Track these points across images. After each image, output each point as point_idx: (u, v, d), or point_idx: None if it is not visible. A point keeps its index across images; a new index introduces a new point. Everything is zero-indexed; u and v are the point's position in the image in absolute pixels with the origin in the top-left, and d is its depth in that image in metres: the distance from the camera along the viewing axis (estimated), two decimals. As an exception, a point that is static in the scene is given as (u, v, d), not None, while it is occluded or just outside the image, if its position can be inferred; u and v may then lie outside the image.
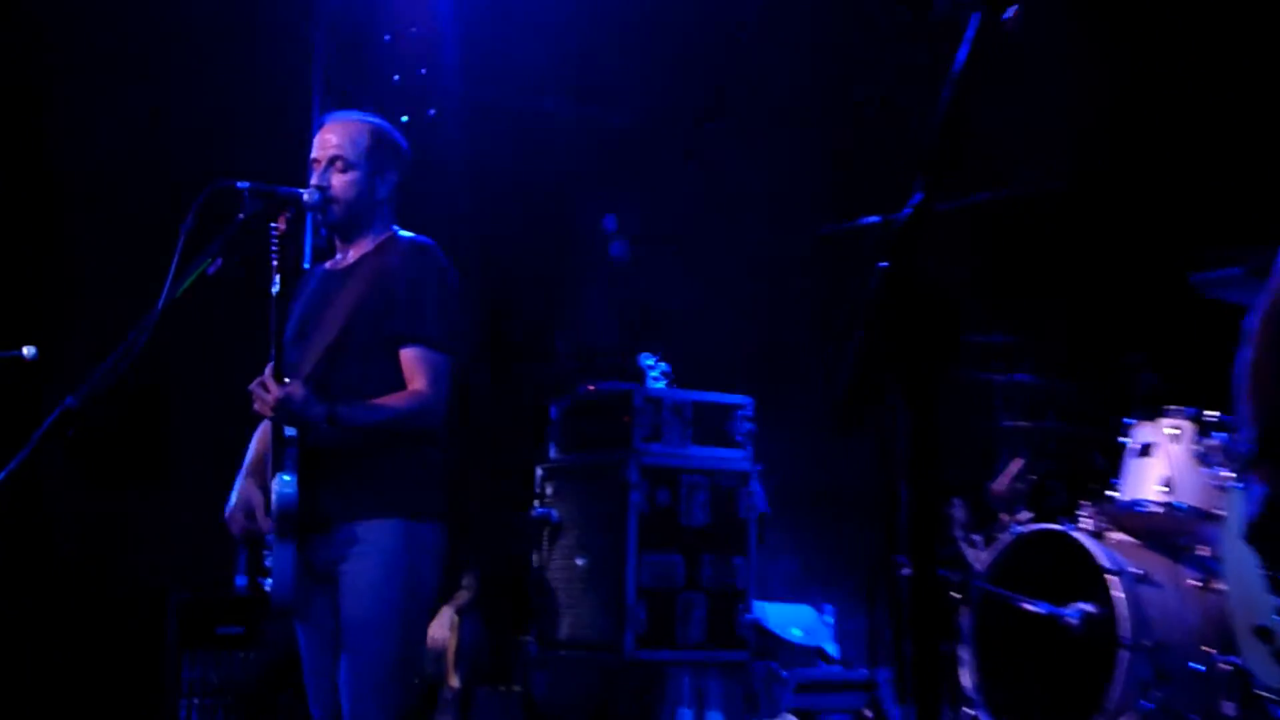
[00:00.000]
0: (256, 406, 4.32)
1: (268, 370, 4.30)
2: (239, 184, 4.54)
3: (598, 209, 9.19)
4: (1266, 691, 3.00)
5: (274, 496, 4.34)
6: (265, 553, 4.51)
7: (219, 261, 4.50)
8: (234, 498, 4.60)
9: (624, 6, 8.64)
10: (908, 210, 1.97)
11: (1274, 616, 2.91)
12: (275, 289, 4.45)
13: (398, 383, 4.45)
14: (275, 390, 4.23)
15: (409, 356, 4.46)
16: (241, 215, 4.54)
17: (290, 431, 4.36)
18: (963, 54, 1.96)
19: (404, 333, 4.46)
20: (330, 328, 4.50)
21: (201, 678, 7.06)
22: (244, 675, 6.76)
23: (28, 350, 5.72)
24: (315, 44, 9.06)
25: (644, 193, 9.02)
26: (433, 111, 8.61)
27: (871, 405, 1.96)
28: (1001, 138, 6.56)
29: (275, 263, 4.41)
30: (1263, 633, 2.92)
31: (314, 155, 4.68)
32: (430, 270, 4.55)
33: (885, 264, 1.91)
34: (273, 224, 4.45)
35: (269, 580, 4.43)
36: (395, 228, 4.72)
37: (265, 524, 4.47)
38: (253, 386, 4.30)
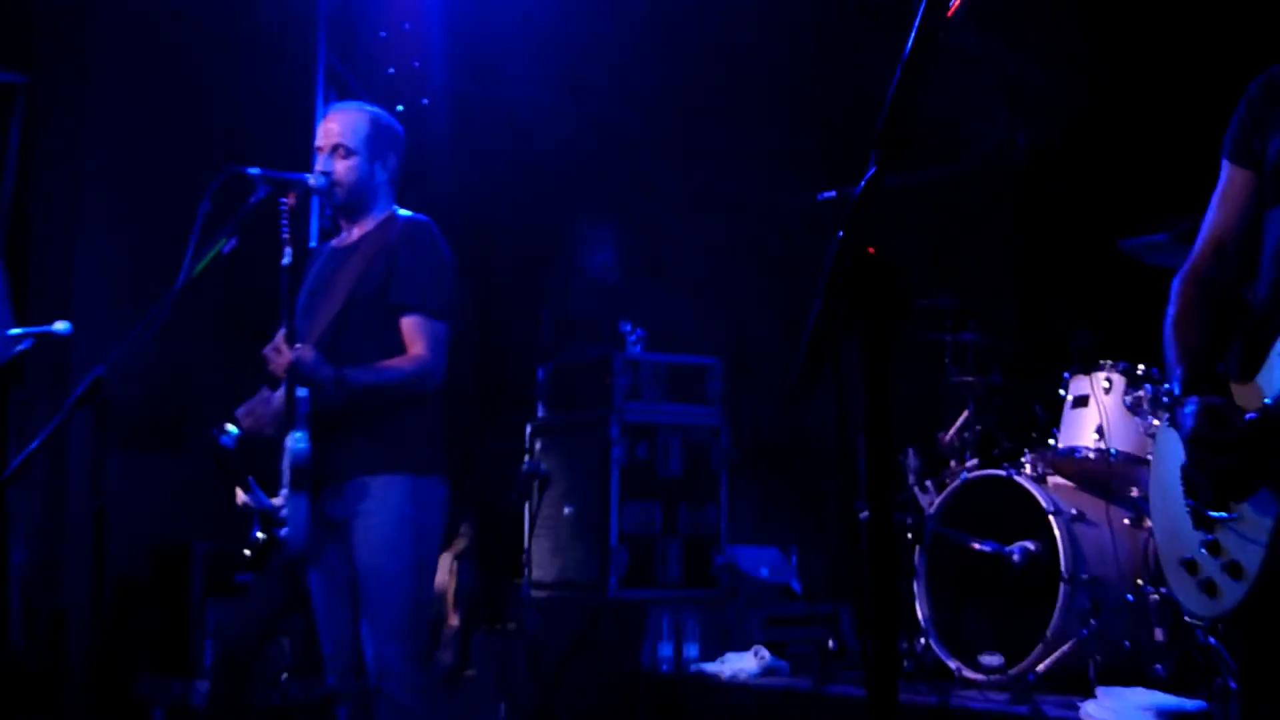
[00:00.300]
0: (270, 368, 4.34)
1: (279, 335, 4.32)
2: (250, 170, 4.55)
3: (578, 189, 9.18)
4: (1192, 619, 3.01)
5: (288, 454, 4.38)
6: (279, 504, 4.54)
7: (233, 241, 4.51)
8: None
9: (595, 16, 8.64)
10: (862, 184, 1.99)
11: (1199, 550, 2.91)
12: (286, 261, 4.47)
13: (398, 349, 4.47)
14: (287, 353, 4.24)
15: (409, 324, 4.48)
16: (253, 199, 4.55)
17: (302, 393, 4.37)
18: (910, 40, 1.97)
19: (404, 302, 4.48)
20: (336, 299, 4.51)
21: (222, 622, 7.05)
22: (231, 631, 6.73)
23: (60, 325, 5.72)
24: (318, 41, 9.03)
25: (622, 176, 9.00)
26: (425, 100, 8.58)
27: (831, 364, 1.97)
28: (950, 118, 6.57)
29: (285, 236, 4.43)
30: (1189, 565, 2.93)
31: (318, 143, 4.70)
32: (427, 245, 4.57)
33: (842, 234, 1.93)
34: (282, 199, 4.46)
35: (284, 529, 4.45)
36: (395, 207, 4.73)
37: (267, 427, 4.49)
38: (267, 351, 4.32)
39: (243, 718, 6.95)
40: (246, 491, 6.39)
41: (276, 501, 6.04)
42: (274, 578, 6.53)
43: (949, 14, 1.95)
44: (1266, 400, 2.81)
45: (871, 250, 1.93)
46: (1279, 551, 2.75)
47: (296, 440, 4.39)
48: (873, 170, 1.96)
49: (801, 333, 1.94)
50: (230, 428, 5.70)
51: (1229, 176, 3.13)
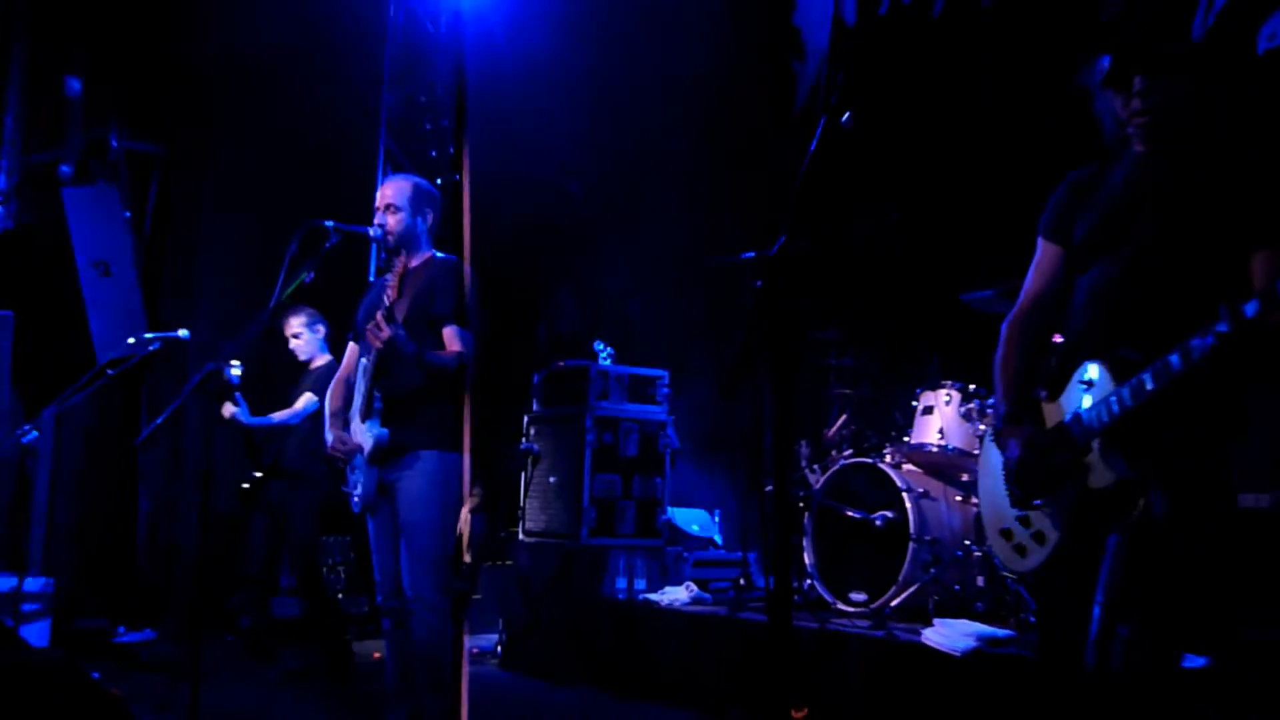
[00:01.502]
0: (371, 339, 4.30)
1: (379, 317, 4.29)
2: (326, 223, 4.52)
3: (566, 240, 9.18)
4: (1008, 573, 3.03)
5: (372, 437, 4.40)
6: (349, 472, 4.52)
7: (311, 275, 4.48)
8: (329, 437, 4.64)
9: (582, 111, 8.64)
10: (775, 248, 1.98)
11: (1014, 523, 2.96)
12: (377, 280, 4.55)
13: (440, 347, 4.48)
14: (387, 330, 4.26)
15: (448, 332, 4.49)
16: (327, 244, 4.52)
17: (377, 402, 4.37)
18: (813, 144, 1.97)
19: (444, 315, 4.47)
20: (400, 309, 4.48)
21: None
22: (246, 564, 6.68)
23: (182, 332, 5.66)
24: (379, 131, 9.02)
25: (597, 232, 9.01)
26: (456, 176, 8.56)
27: (749, 378, 1.97)
28: (837, 196, 6.58)
29: (379, 266, 4.48)
30: (1006, 533, 2.98)
31: (376, 205, 4.69)
32: (458, 277, 4.55)
33: (759, 283, 1.92)
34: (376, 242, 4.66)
35: (357, 489, 4.45)
36: (435, 251, 4.72)
37: (350, 448, 4.48)
38: (369, 329, 4.31)
39: (265, 620, 6.92)
40: (234, 406, 6.40)
41: (272, 417, 6.08)
42: (266, 514, 6.52)
43: (842, 122, 1.94)
44: (1065, 419, 2.87)
45: (780, 297, 1.93)
46: (1071, 532, 2.83)
47: (374, 427, 4.41)
48: (783, 238, 1.95)
49: (729, 353, 1.93)
50: (235, 364, 5.74)
51: (1044, 250, 3.14)
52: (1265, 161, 2.81)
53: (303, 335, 6.71)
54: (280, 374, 6.85)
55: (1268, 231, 2.76)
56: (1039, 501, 2.93)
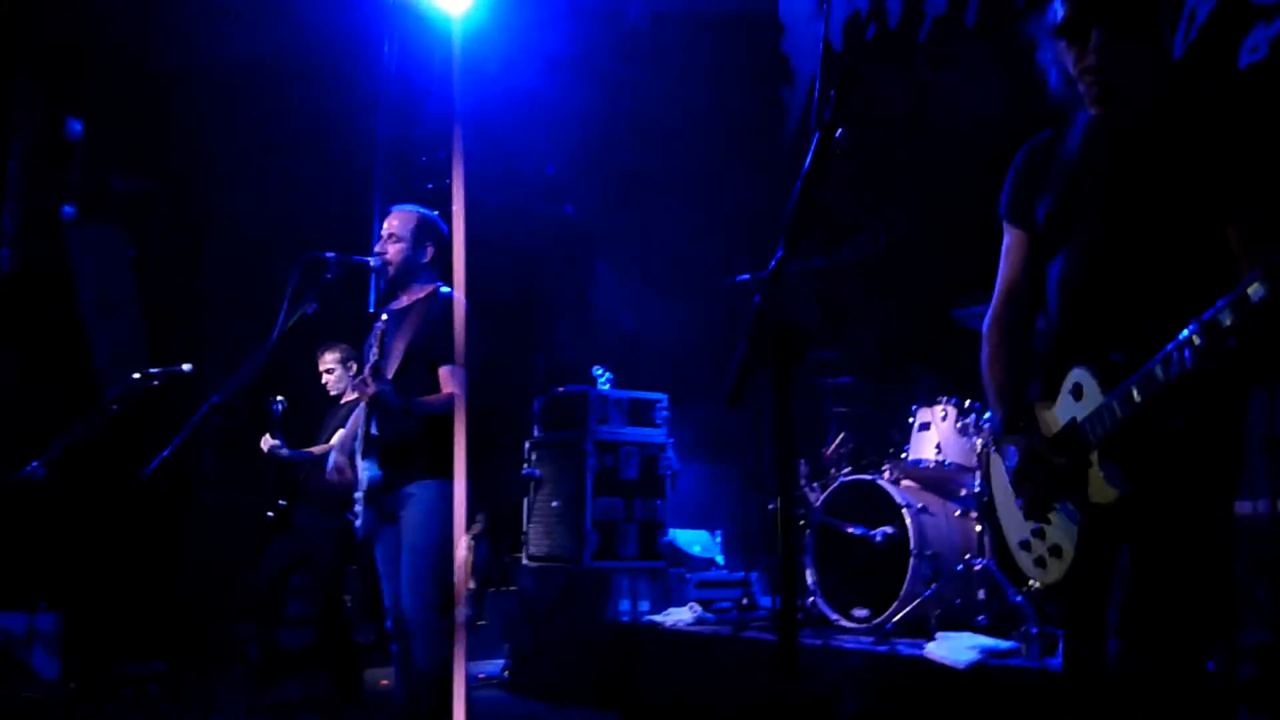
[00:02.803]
0: (358, 394, 4.35)
1: (367, 371, 4.36)
2: (326, 254, 4.52)
3: (562, 271, 9.20)
4: (1034, 583, 2.82)
5: (364, 477, 4.43)
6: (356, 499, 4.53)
7: (314, 306, 4.48)
8: (330, 460, 4.71)
9: (575, 140, 8.66)
10: (772, 265, 1.98)
11: (1031, 535, 2.81)
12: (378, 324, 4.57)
13: (435, 388, 4.46)
14: (373, 385, 4.31)
15: (444, 372, 4.50)
16: (328, 275, 4.52)
17: (374, 430, 4.37)
18: (807, 161, 1.97)
19: (441, 355, 4.47)
20: (398, 354, 4.50)
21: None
22: (255, 579, 6.64)
23: (186, 366, 5.67)
24: (375, 164, 9.05)
25: (594, 259, 9.02)
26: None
27: (749, 391, 1.96)
28: (831, 221, 6.60)
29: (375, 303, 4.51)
30: (1025, 545, 2.83)
31: (380, 234, 4.72)
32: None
33: (758, 300, 1.92)
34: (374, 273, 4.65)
35: (358, 521, 4.46)
36: (440, 284, 4.70)
37: (345, 480, 4.51)
38: (355, 383, 4.38)
39: (279, 651, 6.88)
40: (273, 438, 6.41)
41: (312, 450, 6.05)
42: (288, 539, 6.49)
43: (835, 139, 1.95)
44: (1064, 425, 2.69)
45: (778, 313, 1.92)
46: (1083, 542, 2.68)
47: (372, 467, 4.42)
48: (779, 255, 1.95)
49: (731, 364, 1.92)
50: (280, 399, 5.79)
51: (1010, 236, 2.89)
52: (1234, 126, 2.54)
53: (335, 371, 6.71)
54: (305, 409, 6.85)
55: (1242, 201, 2.49)
56: (1036, 523, 2.77)
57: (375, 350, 4.46)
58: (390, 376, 4.43)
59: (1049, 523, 2.76)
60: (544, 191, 9.13)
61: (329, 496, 6.44)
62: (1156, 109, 2.62)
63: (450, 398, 4.43)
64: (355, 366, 6.70)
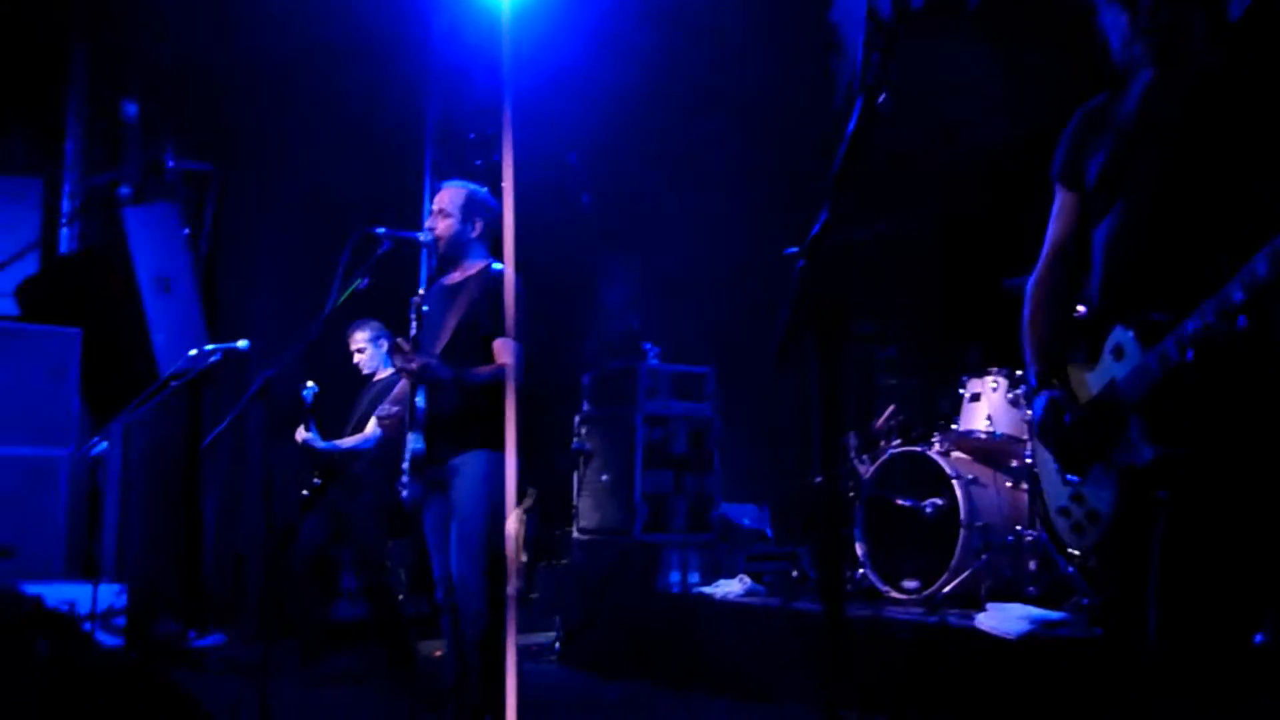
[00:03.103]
0: (396, 366, 4.37)
1: (406, 345, 4.35)
2: (378, 230, 4.57)
3: (612, 246, 9.20)
4: (1071, 551, 2.82)
5: (410, 449, 4.44)
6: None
7: (365, 281, 4.53)
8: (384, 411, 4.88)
9: (625, 115, 8.64)
10: (816, 229, 1.97)
11: (1069, 501, 2.80)
12: (416, 299, 4.57)
13: (485, 362, 4.48)
14: (415, 361, 4.29)
15: (497, 345, 4.51)
16: (380, 251, 4.56)
17: (420, 404, 4.40)
18: (851, 124, 1.96)
19: (492, 330, 4.48)
20: (448, 329, 4.51)
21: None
22: (292, 558, 6.70)
23: (241, 343, 5.75)
24: (426, 142, 9.10)
25: (644, 234, 9.02)
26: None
27: (796, 355, 1.96)
28: (878, 192, 6.56)
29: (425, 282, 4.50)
30: (1063, 511, 2.82)
31: (430, 210, 4.75)
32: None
33: (802, 263, 1.92)
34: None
35: (404, 493, 4.50)
36: (492, 261, 4.71)
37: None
38: (397, 360, 4.35)
39: (323, 623, 6.96)
40: (306, 430, 6.47)
41: (341, 442, 6.13)
42: (323, 516, 6.55)
43: (879, 104, 1.94)
44: (1101, 388, 2.67)
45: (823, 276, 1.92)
46: (1120, 507, 2.65)
47: (416, 440, 4.44)
48: (825, 213, 1.94)
49: (776, 329, 1.92)
50: (311, 384, 5.83)
51: (1061, 197, 2.90)
52: None
53: (367, 350, 6.73)
54: (343, 389, 6.90)
55: None
56: (1073, 478, 2.75)
57: (415, 325, 4.47)
58: (439, 350, 4.46)
59: (1085, 481, 2.74)
60: (593, 168, 9.14)
61: (358, 474, 6.52)
62: (1214, 68, 2.59)
63: (501, 368, 4.44)
64: (385, 344, 6.74)
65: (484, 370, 4.44)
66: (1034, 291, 2.92)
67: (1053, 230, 2.91)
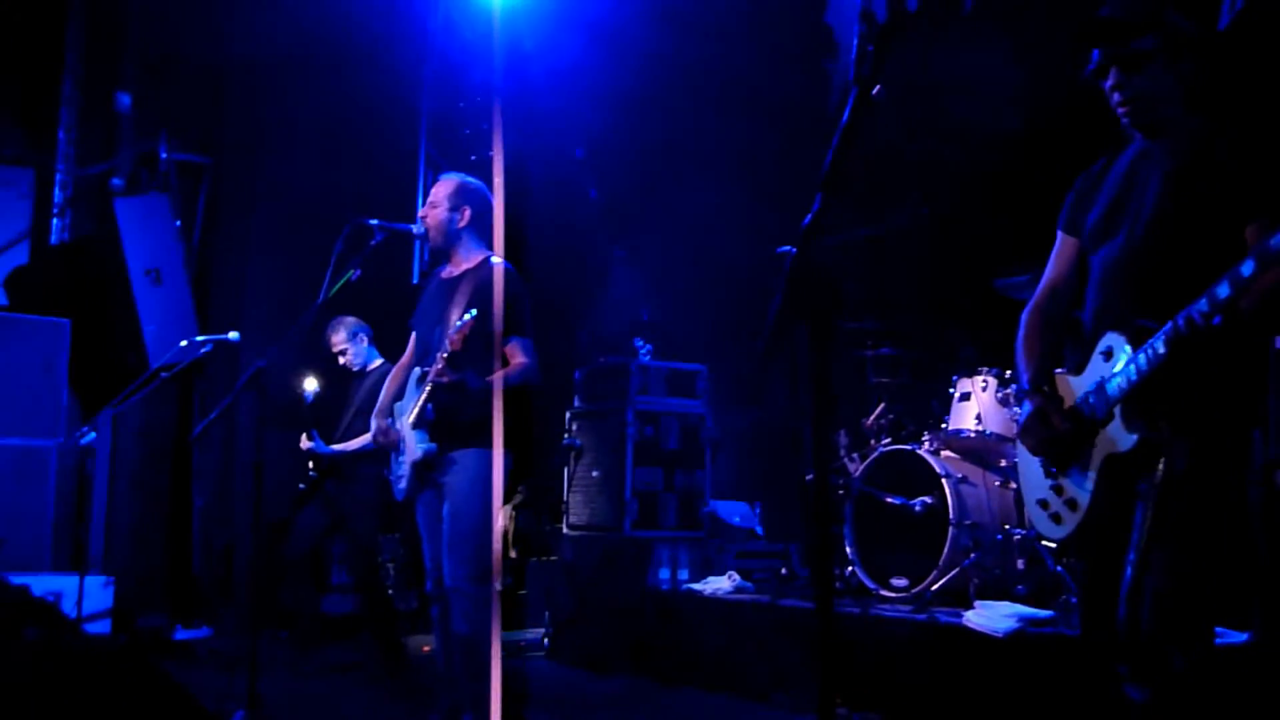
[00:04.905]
0: (432, 380, 4.35)
1: (441, 361, 4.32)
2: (370, 221, 4.57)
3: (604, 243, 9.20)
4: (1046, 542, 3.07)
5: (419, 449, 4.47)
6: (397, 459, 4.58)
7: (358, 273, 4.53)
8: (373, 424, 4.76)
9: (616, 114, 8.65)
10: (808, 219, 1.99)
11: (1049, 492, 3.02)
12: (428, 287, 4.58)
13: (490, 358, 4.46)
14: (451, 375, 4.30)
15: (512, 347, 4.49)
16: (372, 242, 4.57)
17: (429, 405, 4.41)
18: (845, 116, 1.98)
19: (506, 331, 4.47)
20: (449, 322, 4.46)
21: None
22: (289, 548, 6.69)
23: (232, 334, 5.74)
24: (420, 135, 9.09)
25: (635, 232, 9.02)
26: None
27: (786, 345, 1.97)
28: (871, 192, 6.58)
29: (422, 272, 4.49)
30: (1042, 503, 3.03)
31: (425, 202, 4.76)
32: (513, 286, 4.52)
33: (794, 250, 1.93)
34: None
35: (401, 481, 4.50)
36: (490, 253, 4.69)
37: (390, 441, 4.56)
38: (435, 369, 4.34)
39: (314, 616, 6.95)
40: (309, 439, 6.48)
41: (339, 447, 6.17)
42: (319, 507, 6.55)
43: (872, 96, 1.95)
44: (1089, 389, 2.92)
45: (815, 262, 1.94)
46: (1099, 495, 2.89)
47: (423, 439, 4.46)
48: (815, 209, 1.95)
49: (765, 320, 1.94)
50: (310, 388, 5.83)
51: (1061, 241, 3.22)
52: (1255, 138, 2.82)
53: (348, 349, 6.70)
54: (336, 383, 6.90)
55: (1259, 204, 2.77)
56: (1054, 470, 3.01)
57: (429, 314, 4.45)
58: (449, 352, 4.42)
59: (1066, 475, 3.00)
60: (585, 163, 9.14)
61: (353, 468, 6.52)
62: (1188, 129, 2.90)
63: (523, 368, 4.45)
64: (365, 337, 6.72)
65: (512, 375, 4.44)
66: (1029, 319, 3.23)
67: (1050, 267, 3.25)
